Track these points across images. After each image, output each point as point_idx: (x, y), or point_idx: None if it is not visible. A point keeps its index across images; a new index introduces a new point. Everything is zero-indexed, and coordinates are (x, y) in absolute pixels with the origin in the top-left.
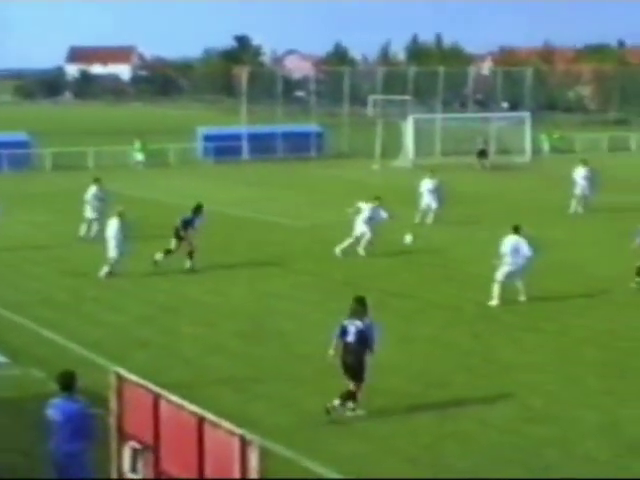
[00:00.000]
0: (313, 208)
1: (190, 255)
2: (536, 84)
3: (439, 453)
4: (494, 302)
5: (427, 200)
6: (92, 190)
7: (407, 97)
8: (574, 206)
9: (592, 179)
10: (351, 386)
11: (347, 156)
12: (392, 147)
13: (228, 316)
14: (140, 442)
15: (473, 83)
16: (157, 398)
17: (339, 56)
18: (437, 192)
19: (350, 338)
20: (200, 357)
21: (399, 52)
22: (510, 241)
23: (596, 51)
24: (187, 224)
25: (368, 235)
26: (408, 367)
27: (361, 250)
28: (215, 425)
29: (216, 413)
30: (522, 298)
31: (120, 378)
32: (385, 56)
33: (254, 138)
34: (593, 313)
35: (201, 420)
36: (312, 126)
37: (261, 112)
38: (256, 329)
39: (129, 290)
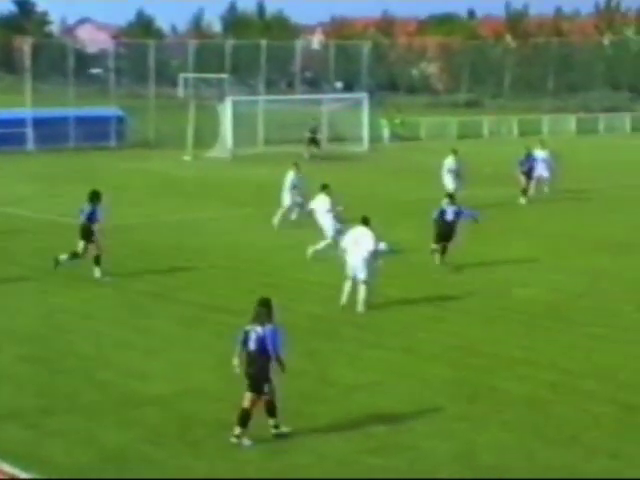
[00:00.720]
0: (112, 207)
1: (97, 260)
2: (374, 60)
3: None
4: (342, 300)
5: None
6: None
7: (224, 75)
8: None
9: (459, 171)
10: (264, 399)
11: (153, 145)
12: (207, 134)
13: (13, 338)
14: None
15: (301, 59)
16: None
17: (143, 26)
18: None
19: (252, 346)
20: None
21: (214, 22)
22: (354, 232)
23: (442, 22)
24: (91, 218)
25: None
26: (230, 393)
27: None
28: None
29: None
30: (360, 309)
31: None
32: (197, 27)
33: (41, 123)
34: (442, 326)
35: None
36: (111, 109)
37: (49, 92)
38: (47, 352)
39: None
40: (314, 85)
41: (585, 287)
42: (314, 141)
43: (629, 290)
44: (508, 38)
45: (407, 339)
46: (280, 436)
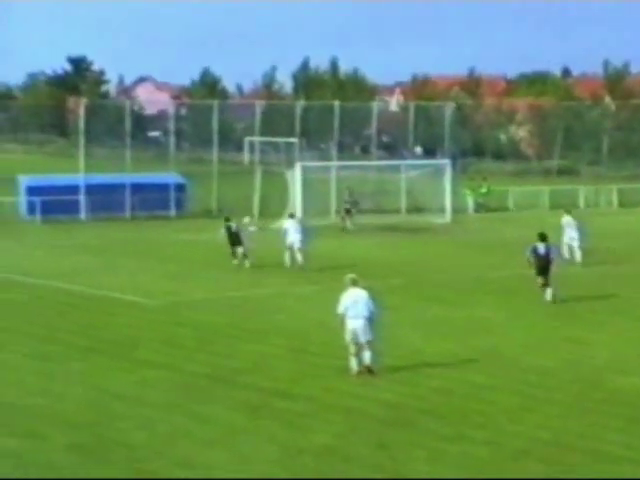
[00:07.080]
0: (170, 282)
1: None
2: (458, 123)
3: None
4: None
5: None
6: None
7: (293, 139)
8: None
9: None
10: None
11: (216, 215)
12: (274, 203)
13: (59, 424)
14: None
15: (378, 121)
16: None
17: (207, 86)
18: None
19: None
20: None
21: (286, 81)
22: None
23: (533, 82)
24: None
25: None
26: None
27: None
28: None
29: None
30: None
31: None
32: (267, 86)
33: (94, 191)
34: (530, 417)
35: None
36: (171, 176)
37: (104, 157)
38: (96, 441)
39: None
40: (391, 150)
41: None
42: (349, 211)
43: None
44: (607, 99)
45: (493, 430)
46: None
